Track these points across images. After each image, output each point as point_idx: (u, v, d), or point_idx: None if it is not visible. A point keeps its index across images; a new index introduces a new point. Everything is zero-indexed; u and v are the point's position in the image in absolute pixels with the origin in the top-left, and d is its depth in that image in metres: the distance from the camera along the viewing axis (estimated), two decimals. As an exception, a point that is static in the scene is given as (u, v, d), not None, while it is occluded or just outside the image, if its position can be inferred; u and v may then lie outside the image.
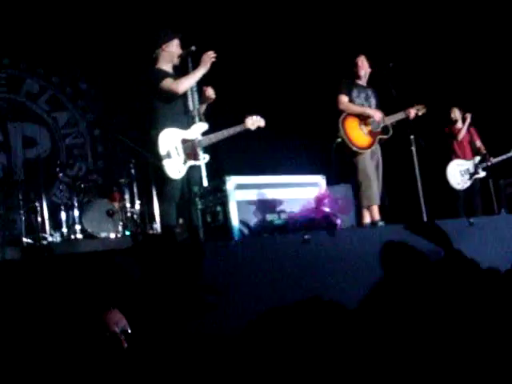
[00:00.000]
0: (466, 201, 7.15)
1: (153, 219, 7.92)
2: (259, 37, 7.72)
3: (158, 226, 7.88)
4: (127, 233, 7.46)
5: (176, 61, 4.90)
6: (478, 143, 7.37)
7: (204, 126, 4.82)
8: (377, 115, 5.60)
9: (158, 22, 6.50)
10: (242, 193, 4.01)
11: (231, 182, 3.97)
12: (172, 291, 2.86)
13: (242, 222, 3.93)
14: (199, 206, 4.31)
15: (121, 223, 7.47)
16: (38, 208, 7.03)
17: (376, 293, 2.44)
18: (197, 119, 4.79)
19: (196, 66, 4.79)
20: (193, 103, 4.84)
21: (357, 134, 5.57)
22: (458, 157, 7.30)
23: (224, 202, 3.97)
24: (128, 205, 7.72)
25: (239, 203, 3.97)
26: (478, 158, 7.24)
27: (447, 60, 7.86)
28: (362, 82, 5.84)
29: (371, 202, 5.46)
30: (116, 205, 7.62)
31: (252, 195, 4.05)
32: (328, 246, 3.62)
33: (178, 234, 4.78)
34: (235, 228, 3.91)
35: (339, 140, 5.49)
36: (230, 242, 3.69)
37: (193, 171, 4.73)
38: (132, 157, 7.74)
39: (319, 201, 4.16)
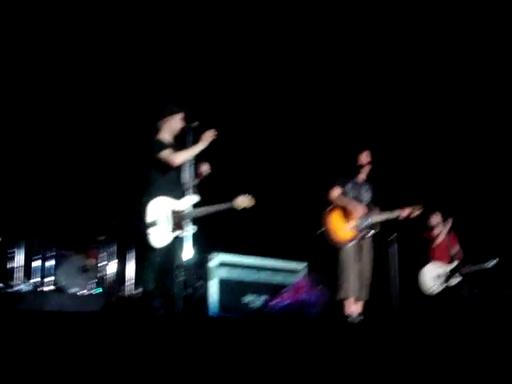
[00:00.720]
0: (438, 305, 7.20)
1: (124, 281, 7.88)
2: (259, 119, 8.00)
3: (128, 288, 7.84)
4: (98, 290, 7.39)
5: (177, 133, 5.06)
6: (455, 249, 7.49)
7: (195, 199, 4.92)
8: (358, 212, 5.72)
9: (164, 95, 6.71)
10: (225, 270, 4.06)
11: (216, 258, 4.02)
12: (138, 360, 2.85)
13: (221, 300, 3.95)
14: (181, 278, 4.34)
15: (94, 280, 7.42)
16: (14, 255, 6.98)
17: None
18: (190, 191, 4.90)
19: (196, 139, 4.94)
20: (188, 175, 4.96)
21: (340, 227, 5.69)
22: (434, 261, 7.42)
23: (206, 278, 4.01)
24: (103, 263, 7.68)
25: (220, 280, 4.00)
26: (453, 264, 7.36)
27: (434, 165, 8.15)
28: (361, 177, 5.97)
29: (346, 295, 5.52)
30: (92, 261, 7.58)
31: (234, 274, 4.11)
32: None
33: (154, 301, 4.78)
34: (213, 304, 3.93)
35: (323, 229, 5.60)
36: (206, 317, 3.71)
37: (177, 241, 4.80)
38: (115, 216, 7.79)
39: (298, 289, 4.21)
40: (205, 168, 5.06)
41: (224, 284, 3.99)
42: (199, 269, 4.10)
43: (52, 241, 7.39)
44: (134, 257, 7.83)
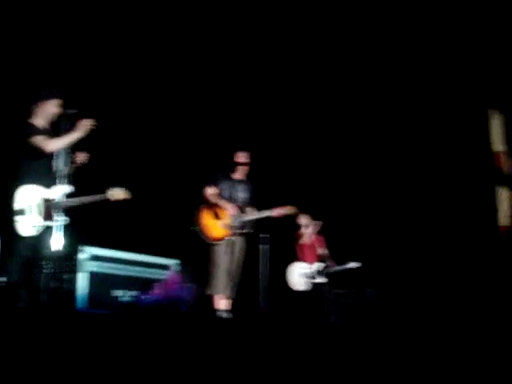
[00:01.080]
0: (304, 303, 7.50)
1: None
2: (139, 112, 7.89)
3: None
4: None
5: (52, 119, 4.88)
6: (321, 250, 7.82)
7: (67, 188, 4.78)
8: (231, 210, 5.83)
9: (42, 80, 6.42)
10: (94, 264, 3.99)
11: (86, 251, 3.95)
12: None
13: (90, 293, 3.88)
14: (47, 270, 4.20)
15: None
16: None
17: None
18: (62, 180, 4.74)
19: (73, 127, 4.79)
20: (58, 164, 4.80)
21: (212, 224, 5.78)
22: (300, 260, 7.72)
23: (74, 270, 3.91)
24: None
25: (89, 274, 3.93)
26: (318, 264, 7.70)
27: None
28: (237, 175, 6.08)
29: (214, 291, 5.63)
30: None
31: (105, 268, 4.05)
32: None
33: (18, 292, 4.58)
34: (81, 298, 3.85)
35: (196, 227, 5.67)
36: (73, 310, 3.63)
37: (45, 232, 4.64)
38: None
39: (168, 284, 4.24)
40: (81, 157, 4.92)
41: (94, 277, 3.92)
42: (68, 261, 3.99)
43: None
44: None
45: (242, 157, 6.06)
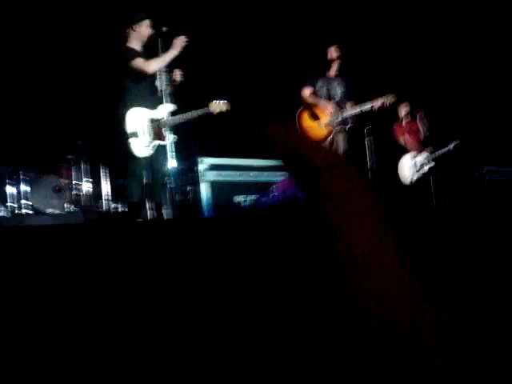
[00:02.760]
0: (410, 193, 7.49)
1: (99, 198, 7.88)
2: (228, 24, 7.79)
3: (104, 204, 7.85)
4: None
5: (146, 41, 4.94)
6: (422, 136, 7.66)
7: (171, 107, 4.90)
8: (328, 107, 5.80)
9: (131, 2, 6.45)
10: (213, 174, 4.12)
11: (204, 162, 4.08)
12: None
13: (213, 201, 4.04)
14: (169, 185, 4.39)
15: (67, 200, 7.41)
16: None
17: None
18: (164, 100, 4.86)
19: (167, 47, 4.85)
20: (161, 84, 4.91)
21: (312, 125, 5.77)
22: (408, 151, 7.61)
23: (195, 182, 4.07)
24: (75, 182, 7.64)
25: (210, 183, 4.07)
26: (425, 153, 7.56)
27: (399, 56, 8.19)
28: (331, 72, 5.99)
29: None
30: (63, 181, 7.54)
31: (222, 176, 4.17)
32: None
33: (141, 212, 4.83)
34: (205, 207, 4.02)
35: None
36: (201, 218, 3.79)
37: (159, 150, 4.82)
38: (82, 134, 7.67)
39: (284, 185, 4.33)
40: (178, 75, 5.00)
41: (214, 186, 4.06)
42: (187, 174, 4.14)
43: (21, 164, 7.28)
44: (107, 174, 7.81)
45: (334, 52, 5.95)
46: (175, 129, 4.85)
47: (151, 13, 4.98)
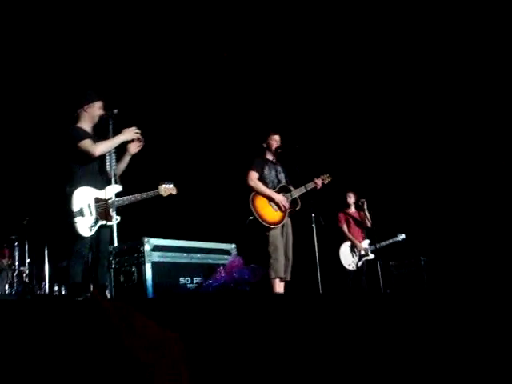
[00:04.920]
0: (355, 280, 7.57)
1: (42, 280, 7.67)
2: (177, 105, 8.00)
3: (46, 286, 7.64)
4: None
5: (96, 121, 4.98)
6: (366, 226, 7.86)
7: (118, 188, 4.88)
8: (282, 202, 5.89)
9: (83, 82, 6.56)
10: (158, 254, 4.08)
11: (149, 243, 4.04)
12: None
13: (157, 283, 3.98)
14: (113, 266, 4.31)
15: (8, 281, 7.19)
16: None
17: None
18: (112, 180, 4.84)
19: (116, 127, 4.90)
20: (110, 164, 4.91)
21: (267, 211, 5.84)
22: (349, 239, 7.77)
23: (140, 262, 4.01)
24: (17, 263, 7.45)
25: (154, 264, 4.03)
26: (367, 241, 7.75)
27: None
28: (273, 158, 6.16)
29: (278, 275, 5.67)
30: (4, 262, 7.34)
31: (167, 257, 4.13)
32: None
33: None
34: (149, 288, 3.95)
35: (251, 218, 5.73)
36: (144, 299, 3.71)
37: (103, 231, 4.77)
38: (26, 215, 7.56)
39: (231, 268, 4.31)
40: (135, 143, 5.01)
41: (160, 267, 4.01)
42: (132, 255, 4.09)
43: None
44: (50, 255, 7.65)
45: (274, 139, 6.14)
46: (120, 209, 4.83)
47: (103, 94, 5.05)
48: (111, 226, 4.72)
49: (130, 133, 4.93)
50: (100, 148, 4.81)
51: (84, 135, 4.84)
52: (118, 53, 7.38)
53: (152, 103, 7.59)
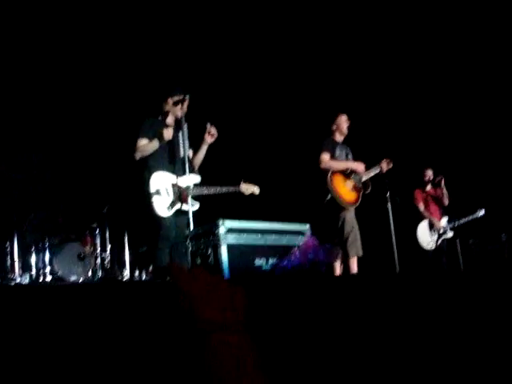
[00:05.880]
0: (434, 259, 7.39)
1: (123, 265, 7.93)
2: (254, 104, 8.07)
3: (127, 272, 7.89)
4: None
5: (178, 114, 5.06)
6: (445, 204, 7.65)
7: (197, 178, 4.99)
8: (360, 167, 5.93)
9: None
10: (233, 236, 4.10)
11: (224, 225, 4.08)
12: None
13: (232, 265, 4.01)
14: (190, 249, 4.39)
15: (90, 268, 7.46)
16: (8, 249, 6.97)
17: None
18: (186, 166, 4.92)
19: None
20: (183, 150, 5.01)
21: (345, 191, 5.82)
22: (427, 217, 7.58)
23: (215, 245, 4.06)
24: (98, 250, 7.71)
25: (230, 246, 4.06)
26: (445, 219, 7.53)
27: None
28: (342, 139, 6.13)
29: (359, 252, 5.70)
30: (87, 249, 7.61)
31: (242, 239, 4.15)
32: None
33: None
34: (225, 270, 3.99)
35: (329, 197, 5.72)
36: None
37: (180, 218, 4.87)
38: (106, 203, 7.82)
39: (306, 248, 4.29)
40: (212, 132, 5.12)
41: (234, 249, 4.03)
42: (207, 238, 4.15)
43: (44, 231, 7.39)
44: (131, 241, 7.90)
45: (343, 120, 6.09)
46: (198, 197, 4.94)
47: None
48: (187, 213, 4.82)
49: (211, 138, 5.08)
50: (142, 150, 4.95)
51: (147, 131, 5.00)
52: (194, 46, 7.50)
53: (225, 95, 7.65)
